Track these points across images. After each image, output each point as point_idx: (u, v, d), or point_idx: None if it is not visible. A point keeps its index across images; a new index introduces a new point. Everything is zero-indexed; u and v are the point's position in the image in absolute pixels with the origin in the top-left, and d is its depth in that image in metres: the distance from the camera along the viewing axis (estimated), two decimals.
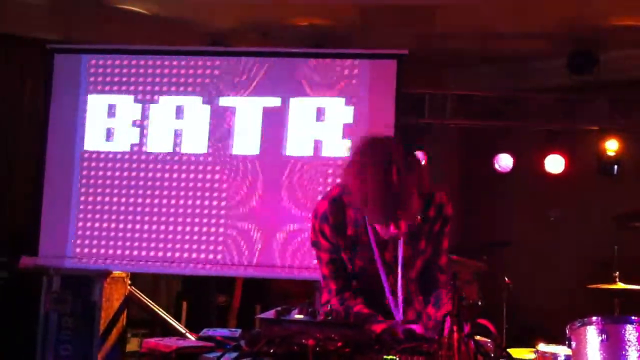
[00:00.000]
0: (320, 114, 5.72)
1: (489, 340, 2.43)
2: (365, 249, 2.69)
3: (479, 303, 5.23)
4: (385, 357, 2.22)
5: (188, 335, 5.66)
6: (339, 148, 5.64)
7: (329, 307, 2.74)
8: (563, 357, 4.03)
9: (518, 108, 6.99)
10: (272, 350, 2.23)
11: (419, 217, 2.63)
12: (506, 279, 5.75)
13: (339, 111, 5.70)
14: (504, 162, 6.90)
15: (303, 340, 2.23)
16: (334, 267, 2.76)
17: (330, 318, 2.35)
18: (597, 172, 6.93)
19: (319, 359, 2.18)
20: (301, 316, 2.38)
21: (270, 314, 2.42)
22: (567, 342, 3.66)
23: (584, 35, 6.52)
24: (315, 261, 2.84)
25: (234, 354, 2.24)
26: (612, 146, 6.76)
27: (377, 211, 2.48)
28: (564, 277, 6.99)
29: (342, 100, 5.69)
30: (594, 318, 3.53)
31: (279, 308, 2.44)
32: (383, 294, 2.72)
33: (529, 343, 4.92)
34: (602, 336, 3.48)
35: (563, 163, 6.73)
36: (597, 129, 6.76)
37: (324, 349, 2.21)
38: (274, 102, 5.75)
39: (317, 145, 5.70)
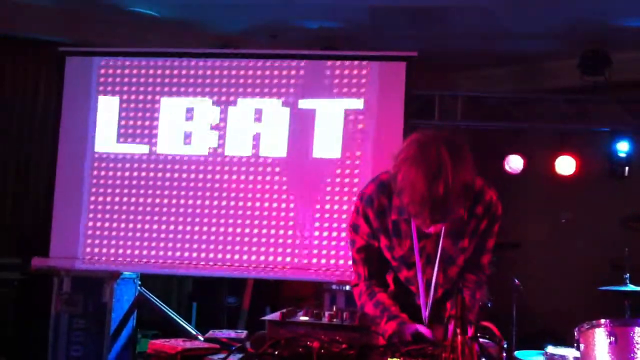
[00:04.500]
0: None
1: (492, 343, 2.42)
2: (408, 237, 2.65)
3: (489, 305, 5.22)
4: (389, 359, 2.22)
5: (199, 337, 5.67)
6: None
7: (358, 291, 2.75)
8: None
9: (529, 109, 6.97)
10: (276, 352, 2.24)
11: (465, 213, 2.58)
12: (516, 280, 5.73)
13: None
14: (515, 163, 6.86)
15: (308, 343, 2.23)
16: (366, 254, 2.73)
17: (335, 320, 2.36)
18: (608, 174, 6.89)
19: None
20: (306, 318, 2.38)
21: (276, 315, 2.43)
22: (575, 345, 3.66)
23: (596, 36, 6.48)
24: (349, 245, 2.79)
25: (239, 356, 2.25)
26: (623, 147, 6.72)
27: (417, 213, 2.43)
28: (574, 278, 6.95)
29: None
30: (603, 320, 3.52)
31: (284, 310, 2.44)
32: (416, 288, 2.68)
33: (539, 345, 4.92)
34: (610, 338, 3.48)
35: (574, 164, 6.69)
36: (608, 130, 6.72)
37: (328, 351, 2.21)
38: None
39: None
